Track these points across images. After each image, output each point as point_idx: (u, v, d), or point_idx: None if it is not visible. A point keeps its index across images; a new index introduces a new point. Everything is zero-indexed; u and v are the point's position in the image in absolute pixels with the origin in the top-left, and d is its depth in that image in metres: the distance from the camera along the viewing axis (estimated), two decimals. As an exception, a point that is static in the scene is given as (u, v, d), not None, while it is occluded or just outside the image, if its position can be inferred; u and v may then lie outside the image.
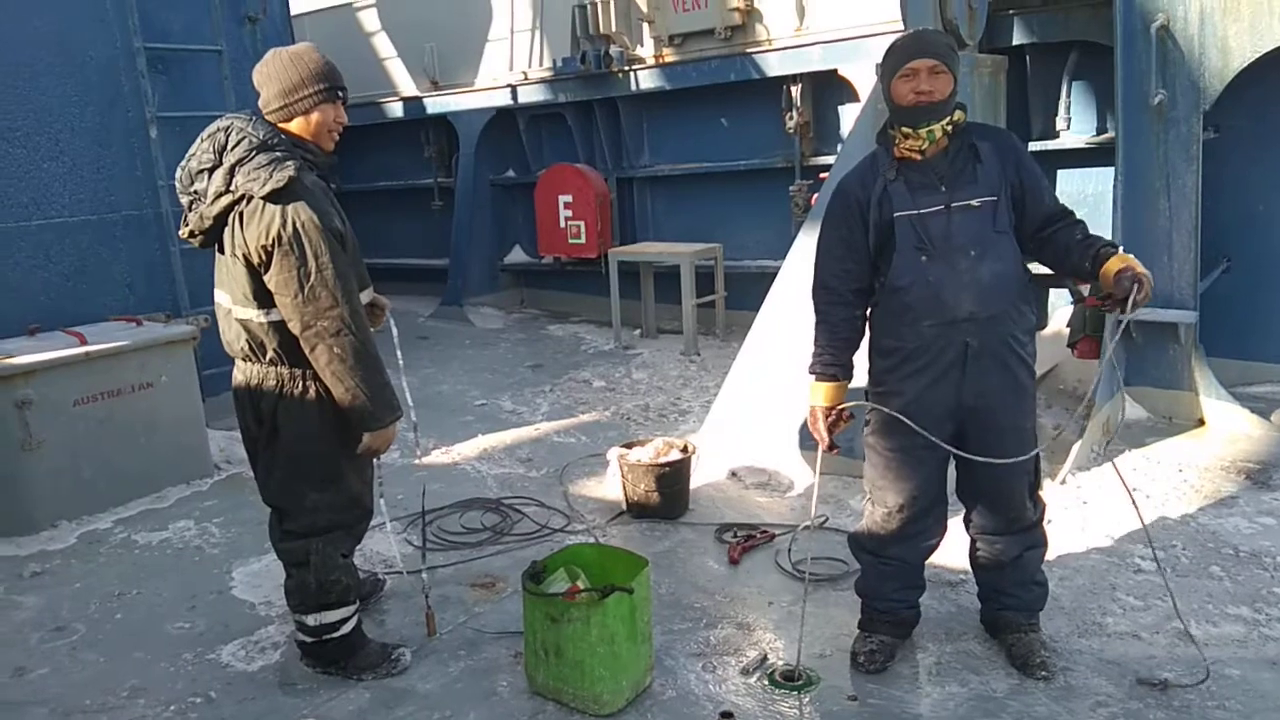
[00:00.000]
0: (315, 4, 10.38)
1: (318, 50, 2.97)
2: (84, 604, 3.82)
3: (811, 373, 3.00)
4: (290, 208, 2.74)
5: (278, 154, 2.79)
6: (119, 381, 4.76)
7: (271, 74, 2.89)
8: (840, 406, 2.97)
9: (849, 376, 2.99)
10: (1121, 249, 2.73)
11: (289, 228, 2.74)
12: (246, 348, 2.94)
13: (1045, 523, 3.12)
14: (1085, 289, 5.29)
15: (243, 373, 3.00)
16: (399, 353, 3.29)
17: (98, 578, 4.05)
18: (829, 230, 2.99)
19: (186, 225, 2.95)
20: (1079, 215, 2.92)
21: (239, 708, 3.07)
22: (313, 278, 2.76)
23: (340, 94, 2.97)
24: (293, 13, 7.21)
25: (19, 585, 4.01)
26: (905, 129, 2.80)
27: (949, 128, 2.80)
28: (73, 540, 4.44)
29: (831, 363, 2.96)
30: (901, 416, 2.85)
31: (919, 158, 2.83)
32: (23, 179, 5.29)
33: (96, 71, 5.59)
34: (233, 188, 2.78)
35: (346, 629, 3.14)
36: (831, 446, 3.02)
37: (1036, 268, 2.97)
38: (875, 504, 3.08)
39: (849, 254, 2.93)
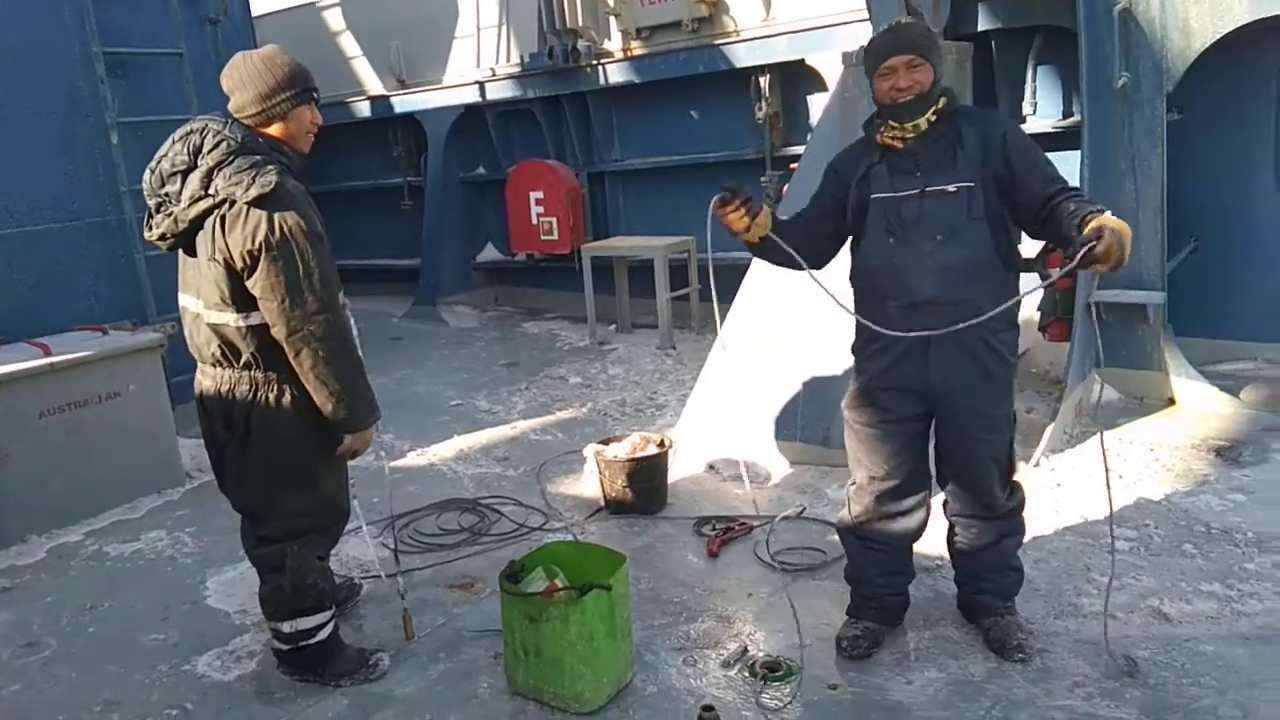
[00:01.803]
0: (277, 4, 10.25)
1: (286, 52, 2.93)
2: (55, 618, 3.76)
3: None
4: (278, 214, 2.71)
5: (258, 158, 2.76)
6: (86, 391, 4.69)
7: (245, 79, 2.85)
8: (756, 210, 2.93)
9: (774, 223, 2.99)
10: (1109, 212, 2.59)
11: (277, 233, 2.71)
12: (219, 352, 2.89)
13: (1022, 510, 3.13)
14: (1055, 271, 5.33)
15: (211, 378, 2.96)
16: (360, 352, 3.25)
17: (69, 591, 3.99)
18: (814, 198, 3.11)
19: (154, 228, 2.90)
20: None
21: (215, 718, 3.03)
22: (301, 282, 2.74)
23: (314, 95, 2.95)
24: (254, 14, 7.12)
25: (-12, 601, 3.95)
26: (892, 123, 2.83)
27: (933, 117, 2.81)
28: (42, 554, 4.37)
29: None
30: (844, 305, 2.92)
31: (900, 145, 2.86)
32: (-19, 188, 5.20)
33: (55, 77, 5.49)
34: (212, 191, 2.73)
35: (323, 635, 3.11)
36: (724, 206, 2.93)
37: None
38: (854, 479, 3.14)
39: (815, 212, 3.08)
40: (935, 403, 2.95)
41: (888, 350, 2.91)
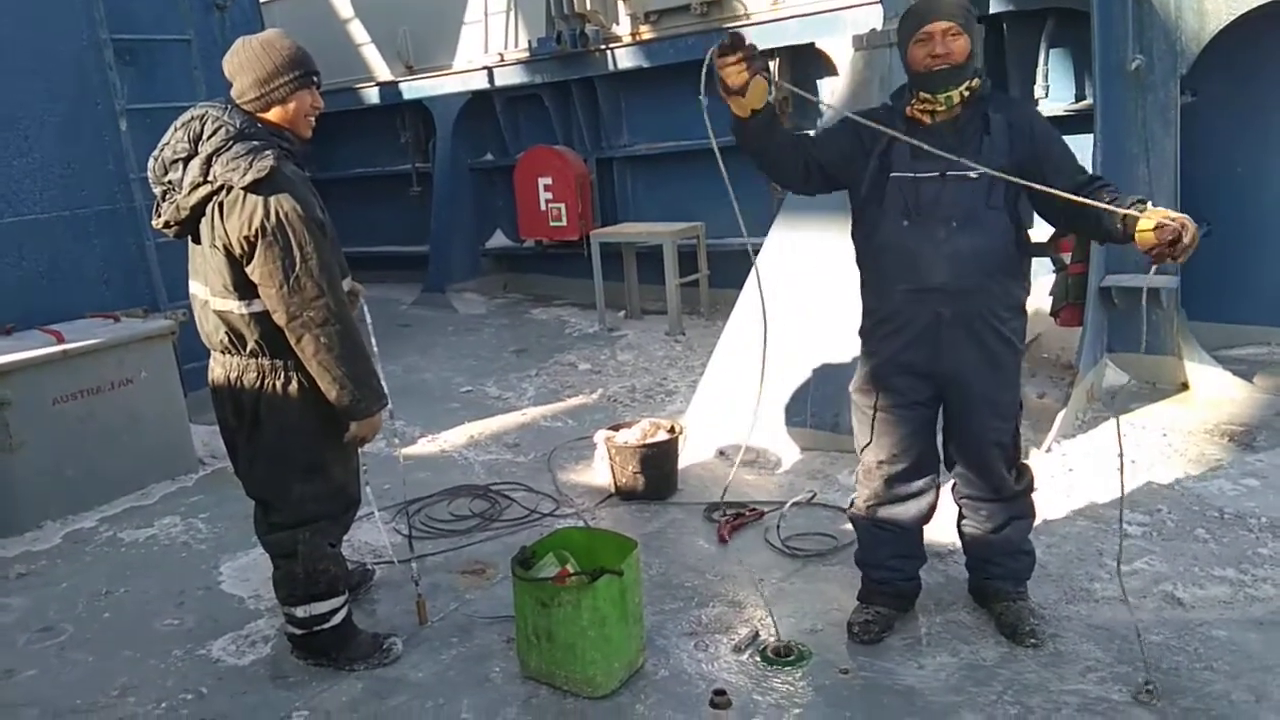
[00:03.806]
0: (285, -11, 10.23)
1: (287, 36, 2.92)
2: (71, 604, 3.79)
3: None
4: (273, 198, 2.71)
5: (256, 143, 2.75)
6: (98, 379, 4.71)
7: (244, 64, 2.84)
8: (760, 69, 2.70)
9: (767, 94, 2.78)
10: (1150, 203, 2.59)
11: (273, 218, 2.70)
12: (226, 339, 2.90)
13: (1032, 493, 3.13)
14: (1067, 257, 5.30)
15: (221, 365, 2.97)
16: (373, 339, 3.26)
17: (84, 577, 4.02)
18: (830, 132, 3.06)
19: (160, 215, 2.91)
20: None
21: (231, 702, 3.05)
22: (298, 268, 2.74)
23: (315, 79, 2.93)
24: (262, -1, 7.10)
25: (5, 587, 3.98)
26: (924, 94, 2.77)
27: (966, 93, 2.76)
28: (58, 540, 4.40)
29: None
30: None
31: (928, 121, 2.80)
32: (-9, 176, 5.22)
33: (63, 65, 5.49)
34: (211, 178, 2.73)
35: (337, 620, 3.13)
36: (724, 54, 2.68)
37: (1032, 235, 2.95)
38: (861, 462, 3.13)
39: (820, 141, 3.00)
40: (945, 386, 2.94)
41: (900, 332, 2.89)
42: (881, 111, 2.94)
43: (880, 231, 2.87)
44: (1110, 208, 2.56)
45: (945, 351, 2.86)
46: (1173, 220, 2.45)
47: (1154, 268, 2.61)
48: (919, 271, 2.79)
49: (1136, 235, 2.52)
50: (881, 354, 2.96)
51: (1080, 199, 2.59)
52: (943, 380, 2.92)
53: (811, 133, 3.04)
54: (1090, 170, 5.13)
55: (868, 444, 3.08)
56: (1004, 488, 3.04)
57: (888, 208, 2.84)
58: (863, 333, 3.05)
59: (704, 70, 2.67)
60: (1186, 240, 2.43)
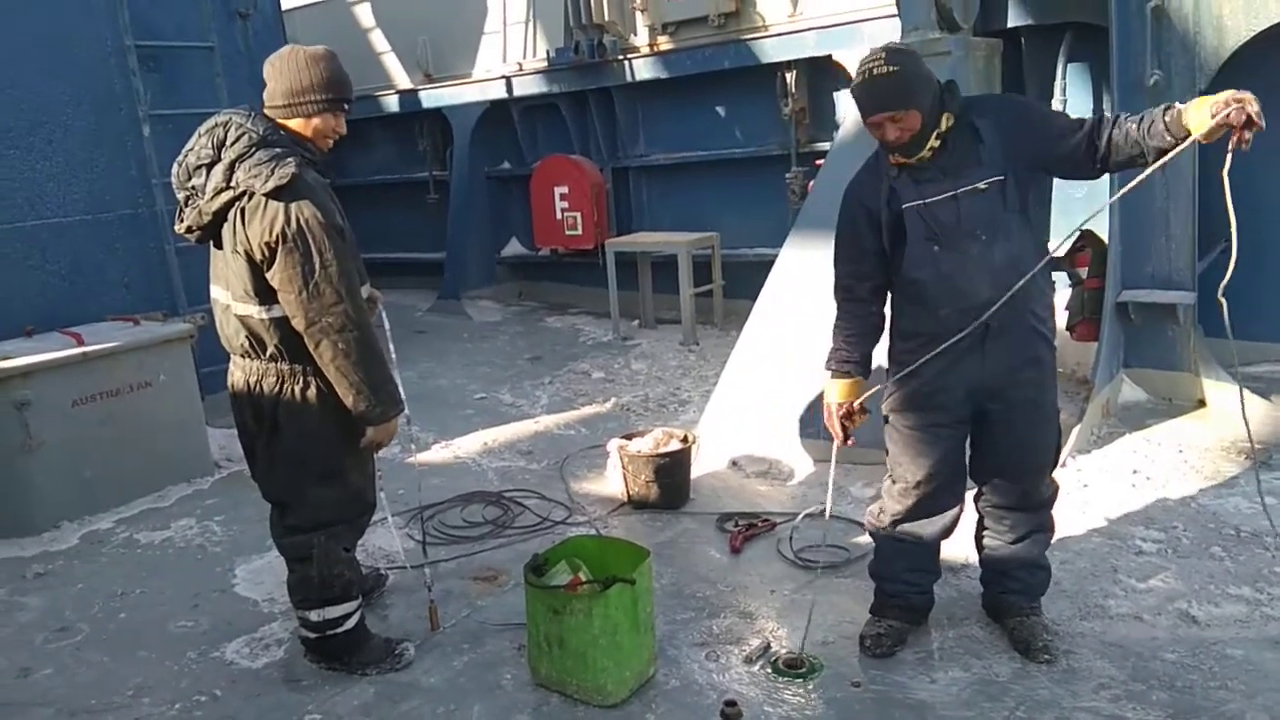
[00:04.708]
0: (306, -2, 10.34)
1: (337, 59, 2.95)
2: (87, 604, 3.82)
3: (827, 369, 3.06)
4: (294, 205, 2.74)
5: (278, 150, 2.78)
6: (117, 381, 4.76)
7: (283, 70, 2.88)
8: (856, 400, 3.00)
9: (864, 373, 3.02)
10: (1178, 104, 2.59)
11: (293, 224, 2.74)
12: (246, 344, 2.93)
13: (1054, 506, 3.13)
14: (1084, 272, 5.28)
15: (241, 369, 3.00)
16: (391, 346, 3.28)
17: (101, 578, 4.05)
18: (841, 233, 3.04)
19: (183, 220, 2.95)
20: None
21: (244, 705, 3.07)
22: (317, 274, 2.76)
23: (345, 106, 2.97)
24: (284, 7, 7.17)
25: (22, 586, 4.01)
26: (900, 157, 2.81)
27: (937, 143, 2.78)
28: (75, 541, 4.44)
29: (846, 359, 3.01)
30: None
31: (915, 163, 2.82)
32: (16, 179, 5.27)
33: (88, 70, 5.56)
34: (233, 183, 2.77)
35: (350, 624, 3.15)
36: (846, 439, 3.05)
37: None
38: (894, 479, 3.10)
39: (861, 256, 2.98)
40: (989, 399, 2.91)
41: (945, 353, 2.82)
42: (872, 162, 2.96)
43: (912, 262, 2.85)
44: (1152, 132, 2.60)
45: (990, 362, 2.84)
46: (1227, 103, 2.41)
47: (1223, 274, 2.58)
48: (962, 292, 2.76)
49: (1195, 131, 2.48)
50: (924, 374, 2.90)
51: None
52: (985, 393, 2.90)
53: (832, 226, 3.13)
54: (1107, 187, 5.09)
55: (904, 464, 3.04)
56: (1035, 494, 3.03)
57: (912, 238, 2.83)
58: (899, 355, 2.99)
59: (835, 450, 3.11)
60: (1254, 109, 2.42)
